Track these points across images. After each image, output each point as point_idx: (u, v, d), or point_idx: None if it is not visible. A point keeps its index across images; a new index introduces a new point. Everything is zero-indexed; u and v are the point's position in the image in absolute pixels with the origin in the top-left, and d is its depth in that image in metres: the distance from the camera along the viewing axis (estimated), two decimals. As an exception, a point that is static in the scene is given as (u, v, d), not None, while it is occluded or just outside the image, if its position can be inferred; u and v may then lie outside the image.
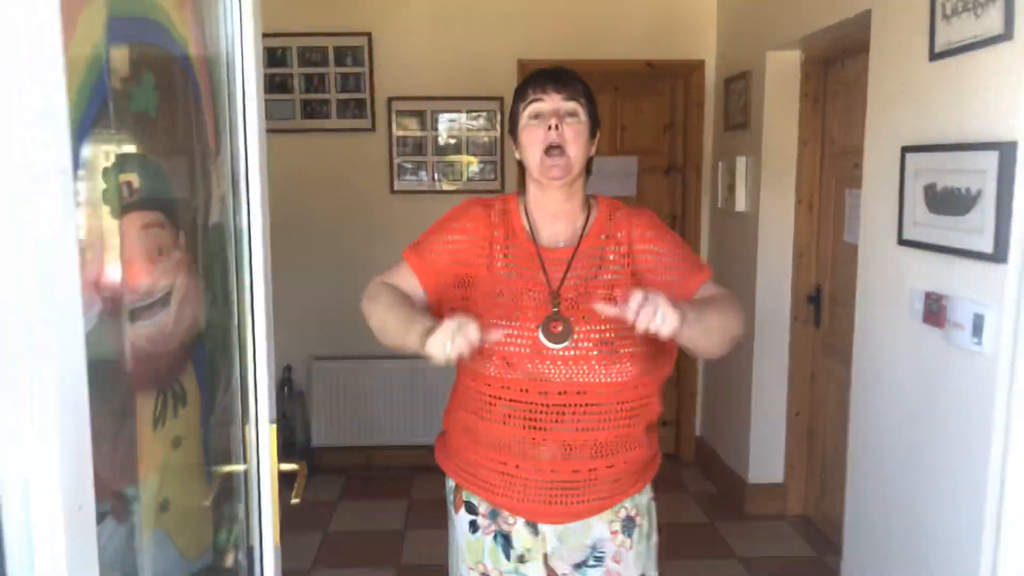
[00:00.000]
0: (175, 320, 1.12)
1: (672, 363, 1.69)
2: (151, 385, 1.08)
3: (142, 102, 1.01)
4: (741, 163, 3.60)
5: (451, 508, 1.76)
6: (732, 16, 3.89)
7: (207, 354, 1.29)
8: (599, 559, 1.70)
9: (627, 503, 1.70)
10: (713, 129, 4.11)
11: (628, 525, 1.71)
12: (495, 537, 1.70)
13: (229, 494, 1.44)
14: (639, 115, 4.24)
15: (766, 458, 3.61)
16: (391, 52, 4.04)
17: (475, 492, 1.70)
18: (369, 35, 4.01)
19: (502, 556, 1.69)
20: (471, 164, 4.16)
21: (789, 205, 3.42)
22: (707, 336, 1.46)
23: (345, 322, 4.23)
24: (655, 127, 4.26)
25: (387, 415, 4.07)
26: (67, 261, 0.73)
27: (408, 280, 1.68)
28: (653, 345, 1.59)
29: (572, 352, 1.57)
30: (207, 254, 1.28)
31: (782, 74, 3.39)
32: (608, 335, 1.58)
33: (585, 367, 1.58)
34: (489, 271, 1.65)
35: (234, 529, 1.47)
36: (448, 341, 1.36)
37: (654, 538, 1.78)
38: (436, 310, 1.66)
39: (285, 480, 1.46)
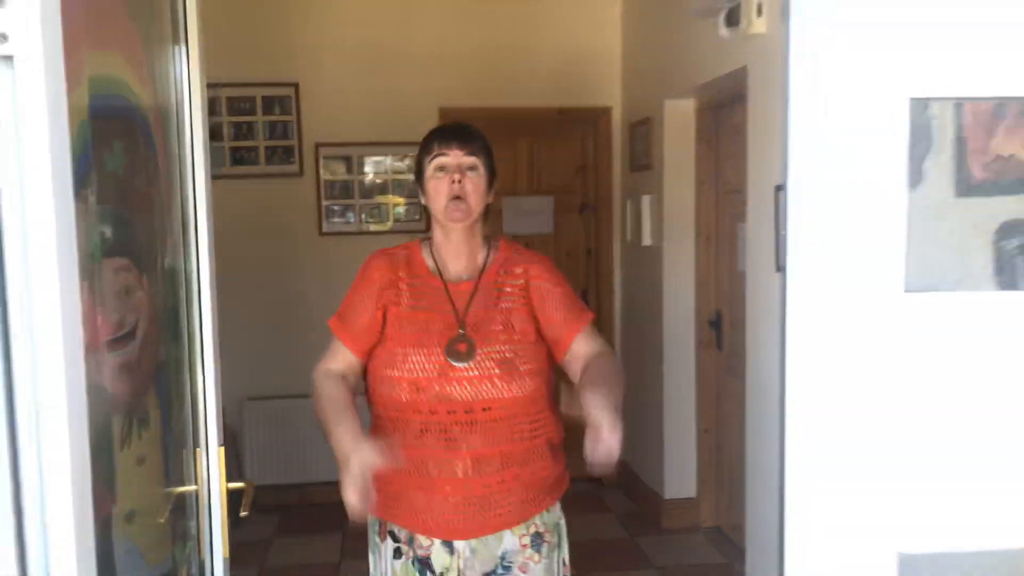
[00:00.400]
0: (140, 350, 1.28)
1: (550, 379, 1.90)
2: (121, 409, 1.23)
3: (113, 164, 1.19)
4: (646, 201, 3.92)
5: (376, 538, 1.90)
6: (634, 67, 4.25)
7: (165, 382, 1.45)
8: (507, 568, 1.83)
9: (537, 519, 1.85)
10: (621, 170, 4.44)
11: (536, 541, 1.85)
12: (413, 562, 1.84)
13: (183, 512, 1.58)
14: (554, 158, 4.54)
15: (680, 474, 3.88)
16: (317, 100, 4.24)
17: (395, 522, 1.84)
18: (296, 85, 4.20)
19: None
20: (397, 205, 4.36)
21: (690, 239, 3.75)
22: None
23: (276, 362, 4.34)
24: (569, 168, 4.56)
25: (319, 452, 4.16)
26: (72, 308, 0.90)
27: (343, 355, 1.85)
28: (545, 363, 1.83)
29: (475, 372, 1.75)
30: (164, 292, 1.44)
31: (679, 120, 3.74)
32: (508, 354, 1.77)
33: (488, 385, 1.75)
34: (397, 308, 1.82)
35: (188, 545, 1.61)
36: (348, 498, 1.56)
37: (562, 554, 1.92)
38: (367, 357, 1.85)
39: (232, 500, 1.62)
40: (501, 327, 1.80)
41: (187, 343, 1.56)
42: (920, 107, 1.01)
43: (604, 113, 4.44)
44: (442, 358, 1.75)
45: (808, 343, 0.80)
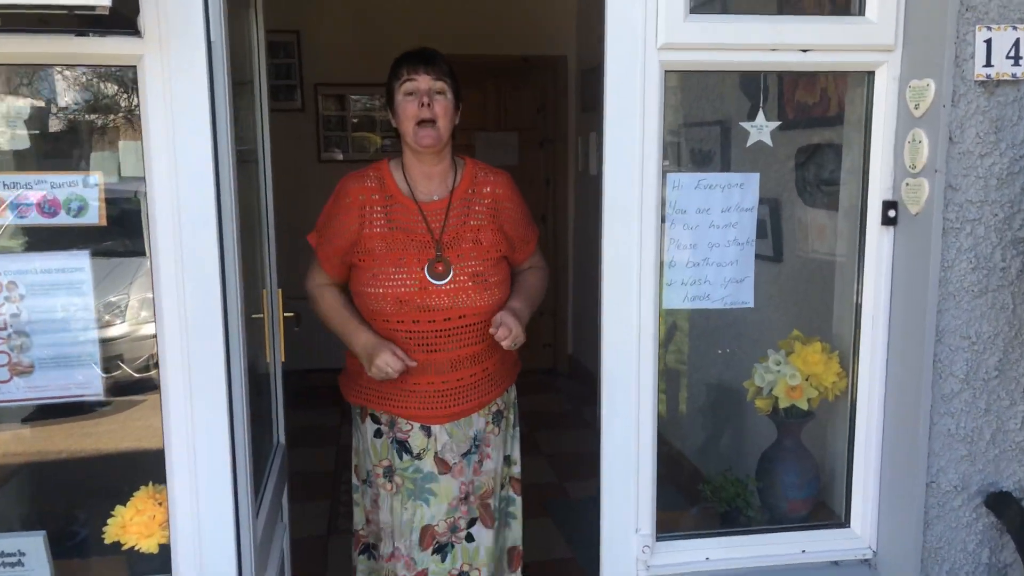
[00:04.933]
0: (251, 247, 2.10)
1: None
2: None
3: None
4: (593, 137, 4.73)
5: (357, 420, 2.01)
6: (586, 21, 4.98)
7: (255, 262, 2.26)
8: (477, 447, 1.96)
9: (498, 400, 1.99)
10: (575, 110, 5.21)
11: (497, 417, 2.00)
12: (392, 443, 1.92)
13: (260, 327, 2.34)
14: (518, 99, 5.28)
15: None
16: (316, 46, 4.93)
17: (377, 408, 1.91)
18: (298, 32, 4.88)
19: (397, 457, 1.92)
20: (380, 139, 5.12)
21: (627, 170, 4.56)
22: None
23: (285, 265, 5.12)
24: (531, 108, 5.32)
25: (321, 344, 4.98)
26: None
27: (322, 274, 1.97)
28: (507, 273, 1.95)
29: (452, 285, 1.81)
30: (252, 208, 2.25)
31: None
32: (479, 268, 1.84)
33: (463, 296, 1.82)
34: (371, 230, 1.83)
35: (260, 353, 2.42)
36: (380, 371, 1.79)
37: (516, 430, 2.10)
38: (346, 275, 1.94)
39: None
40: (472, 244, 1.85)
41: (261, 241, 2.37)
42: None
43: (561, 61, 5.17)
44: (422, 275, 1.80)
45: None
